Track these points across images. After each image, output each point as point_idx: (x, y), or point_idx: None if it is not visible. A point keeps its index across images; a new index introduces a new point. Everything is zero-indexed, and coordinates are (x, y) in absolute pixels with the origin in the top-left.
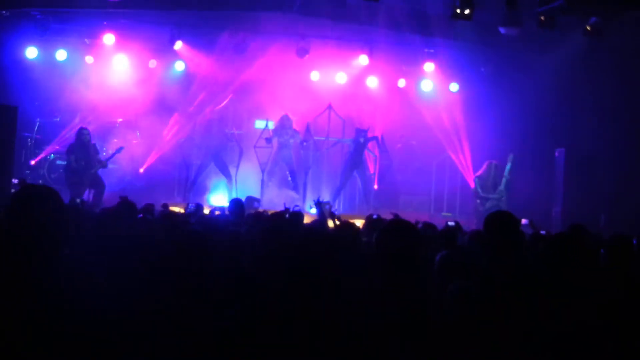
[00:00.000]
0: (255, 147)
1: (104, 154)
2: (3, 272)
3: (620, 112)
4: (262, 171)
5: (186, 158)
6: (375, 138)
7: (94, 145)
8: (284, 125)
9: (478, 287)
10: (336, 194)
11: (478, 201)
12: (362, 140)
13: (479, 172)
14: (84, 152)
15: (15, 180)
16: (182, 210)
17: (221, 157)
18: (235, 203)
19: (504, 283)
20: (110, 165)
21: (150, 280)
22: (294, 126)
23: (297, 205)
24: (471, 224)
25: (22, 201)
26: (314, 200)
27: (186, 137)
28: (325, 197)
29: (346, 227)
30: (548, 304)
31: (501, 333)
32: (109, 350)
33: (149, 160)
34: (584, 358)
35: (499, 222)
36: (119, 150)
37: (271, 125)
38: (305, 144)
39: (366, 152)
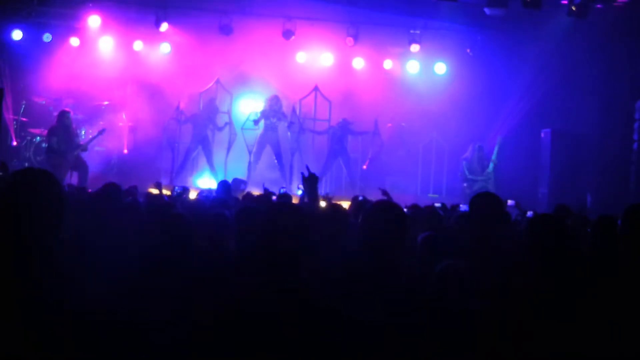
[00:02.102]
0: (242, 128)
1: (90, 136)
2: None
3: (605, 92)
4: (249, 153)
5: (170, 140)
6: (356, 133)
7: (74, 128)
8: (272, 106)
9: (465, 267)
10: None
11: (465, 184)
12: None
13: (465, 155)
14: (65, 134)
15: None
16: (168, 193)
17: (209, 142)
18: (223, 185)
19: (490, 262)
20: (96, 148)
21: (137, 263)
22: (283, 108)
23: (283, 187)
24: None
25: (19, 184)
26: (301, 173)
27: (170, 119)
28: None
29: (333, 208)
30: (533, 283)
31: (487, 311)
32: (101, 333)
33: (134, 142)
34: (570, 334)
35: (484, 202)
36: (101, 132)
37: (259, 107)
38: (291, 126)
39: (350, 136)
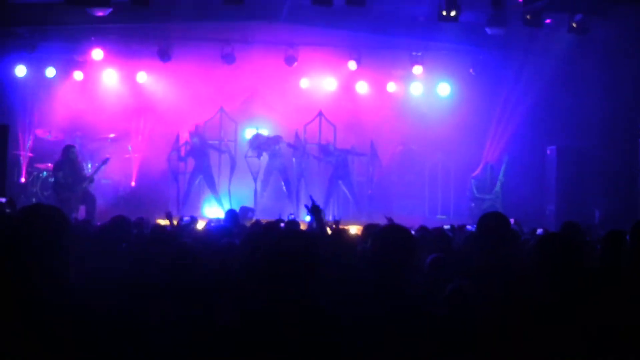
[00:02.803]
0: (245, 157)
1: (95, 167)
2: (9, 290)
3: (609, 107)
4: (255, 180)
5: (174, 171)
6: (353, 152)
7: (80, 162)
8: (260, 142)
9: (473, 287)
10: (325, 204)
11: (473, 204)
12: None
13: (475, 173)
14: (71, 168)
15: (2, 200)
16: (175, 223)
17: (209, 171)
18: (231, 214)
19: (498, 281)
20: (103, 180)
21: (144, 294)
22: (272, 134)
23: (292, 214)
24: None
25: (28, 220)
26: (305, 205)
27: (173, 149)
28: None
29: (339, 233)
30: (542, 301)
31: (495, 331)
32: (102, 336)
33: (141, 173)
34: (579, 354)
35: (491, 222)
36: (105, 162)
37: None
38: (295, 151)
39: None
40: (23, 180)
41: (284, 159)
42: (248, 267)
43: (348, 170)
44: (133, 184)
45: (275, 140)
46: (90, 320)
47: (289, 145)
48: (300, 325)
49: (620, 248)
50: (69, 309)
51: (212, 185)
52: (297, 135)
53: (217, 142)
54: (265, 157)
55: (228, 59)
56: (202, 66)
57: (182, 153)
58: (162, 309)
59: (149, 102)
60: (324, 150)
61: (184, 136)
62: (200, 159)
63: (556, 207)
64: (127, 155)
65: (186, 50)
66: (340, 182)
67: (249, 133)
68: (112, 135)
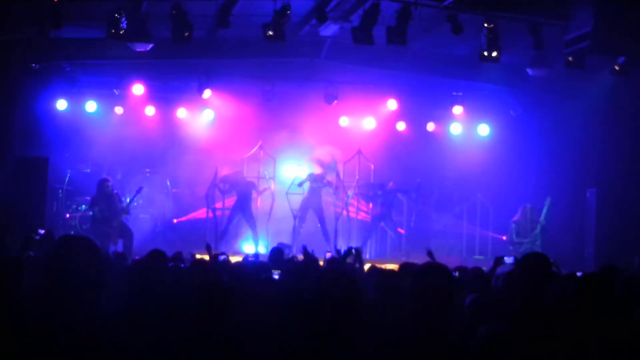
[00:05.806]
0: (287, 193)
1: (135, 202)
2: (41, 320)
3: None
4: (294, 217)
5: (213, 206)
6: (398, 190)
7: (117, 194)
8: (323, 174)
9: (510, 329)
10: (364, 243)
11: (511, 247)
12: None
13: (516, 217)
14: (107, 202)
15: (41, 231)
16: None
17: (250, 209)
18: (276, 252)
19: (536, 324)
20: (141, 215)
21: (178, 328)
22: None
23: (328, 251)
24: (504, 267)
25: (60, 251)
26: (337, 249)
27: (211, 185)
28: (355, 243)
29: (379, 272)
30: (579, 345)
31: None
32: None
33: (179, 208)
34: None
35: (532, 263)
36: (139, 191)
37: (303, 171)
38: (336, 190)
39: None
40: (68, 216)
41: (320, 198)
42: (289, 305)
43: (391, 210)
44: (175, 220)
45: (327, 183)
46: (117, 352)
47: (335, 189)
48: None
49: None
50: (96, 340)
51: (251, 224)
52: (337, 174)
53: (256, 178)
54: (304, 192)
55: (268, 95)
56: (241, 102)
57: (225, 188)
58: (195, 346)
59: (188, 137)
60: (380, 187)
61: (223, 172)
62: (241, 195)
63: (595, 250)
64: (166, 191)
65: (226, 85)
66: (382, 223)
67: (287, 169)
68: (148, 170)
